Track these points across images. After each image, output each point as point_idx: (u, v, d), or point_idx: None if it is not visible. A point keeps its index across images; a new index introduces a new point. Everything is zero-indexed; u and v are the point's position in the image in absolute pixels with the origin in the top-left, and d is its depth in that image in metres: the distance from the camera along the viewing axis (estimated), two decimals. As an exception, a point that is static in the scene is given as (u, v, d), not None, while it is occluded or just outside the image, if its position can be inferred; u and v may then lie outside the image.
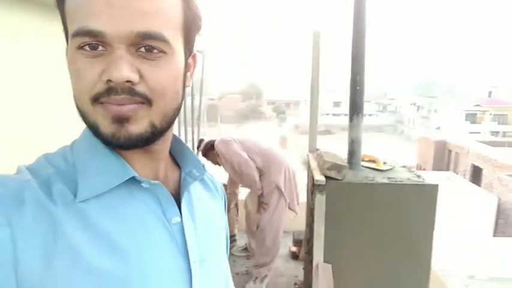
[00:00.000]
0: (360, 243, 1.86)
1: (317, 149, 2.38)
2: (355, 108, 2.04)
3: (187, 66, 0.54)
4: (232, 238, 3.52)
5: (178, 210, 0.54)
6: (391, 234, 1.85)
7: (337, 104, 44.81)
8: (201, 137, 3.26)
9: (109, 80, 0.43)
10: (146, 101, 0.46)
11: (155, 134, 0.48)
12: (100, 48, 0.44)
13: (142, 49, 0.45)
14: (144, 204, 0.51)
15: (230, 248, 3.54)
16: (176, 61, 0.49)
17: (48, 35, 1.53)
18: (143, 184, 0.50)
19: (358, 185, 1.82)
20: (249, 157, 2.71)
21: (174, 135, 0.60)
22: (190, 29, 0.52)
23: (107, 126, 0.45)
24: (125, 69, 0.43)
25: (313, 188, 2.00)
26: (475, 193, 13.11)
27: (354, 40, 1.99)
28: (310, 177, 2.16)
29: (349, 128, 2.06)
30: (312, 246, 2.07)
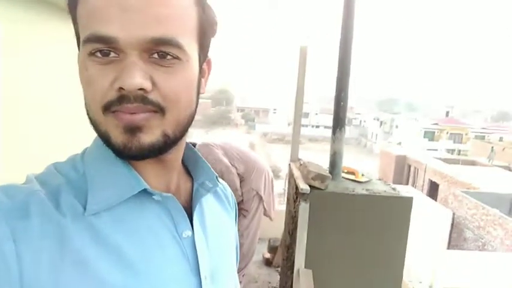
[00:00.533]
0: (339, 250, 1.96)
1: (299, 159, 2.47)
2: (339, 122, 2.15)
3: (201, 73, 0.52)
4: None
5: (189, 224, 0.52)
6: (367, 243, 1.96)
7: (305, 115, 45.90)
8: None
9: (121, 88, 0.42)
10: (159, 109, 0.44)
11: (168, 144, 0.47)
12: (112, 54, 0.43)
13: (156, 55, 0.43)
14: (155, 217, 0.49)
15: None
16: (191, 68, 0.47)
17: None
18: (155, 197, 0.49)
19: (340, 195, 1.92)
20: (230, 164, 2.75)
21: (187, 143, 0.57)
22: (205, 33, 0.50)
23: (118, 136, 0.44)
24: (137, 77, 0.42)
25: (296, 196, 2.08)
26: (432, 207, 13.85)
27: (340, 58, 2.11)
28: (293, 186, 2.24)
29: (332, 141, 2.17)
30: (292, 253, 2.15)
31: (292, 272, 2.04)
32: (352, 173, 2.28)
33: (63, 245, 0.41)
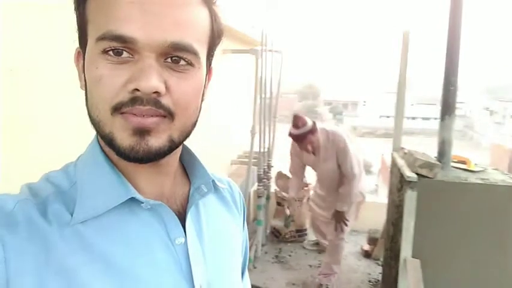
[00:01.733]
0: (449, 241, 1.88)
1: (402, 148, 2.40)
2: (448, 108, 2.05)
3: (206, 81, 0.52)
4: (303, 232, 3.64)
5: (183, 230, 0.50)
6: (482, 234, 1.85)
7: (399, 107, 42.71)
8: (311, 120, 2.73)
9: (136, 90, 0.41)
10: (168, 114, 0.44)
11: (172, 149, 0.46)
12: (125, 54, 0.42)
13: (169, 60, 0.43)
14: (146, 225, 0.48)
15: (301, 242, 3.62)
16: (201, 75, 0.48)
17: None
18: (143, 205, 0.47)
19: (451, 184, 1.84)
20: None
21: (184, 146, 0.56)
22: (214, 42, 0.51)
23: (126, 139, 0.43)
24: (154, 80, 0.41)
25: (401, 185, 2.05)
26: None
27: (449, 40, 2.00)
28: (397, 175, 2.20)
29: (440, 128, 2.07)
30: (396, 243, 2.12)
31: (397, 263, 2.02)
32: (463, 162, 2.14)
33: (49, 252, 0.41)
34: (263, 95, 3.41)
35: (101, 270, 0.43)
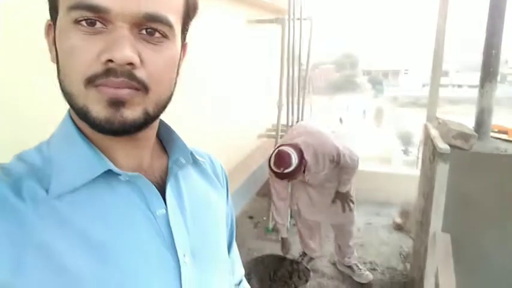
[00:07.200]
0: (481, 215, 1.78)
1: (437, 118, 2.27)
2: (489, 74, 1.88)
3: (181, 55, 0.51)
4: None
5: (163, 201, 0.50)
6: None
7: (444, 74, 40.22)
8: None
9: (109, 61, 0.40)
10: (143, 87, 0.43)
11: (147, 122, 0.46)
12: (98, 25, 0.41)
13: (144, 31, 0.43)
14: (125, 197, 0.47)
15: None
16: (176, 48, 0.47)
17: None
18: (121, 177, 0.47)
19: (488, 156, 1.72)
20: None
21: (161, 121, 0.55)
22: (188, 16, 0.49)
23: (100, 111, 0.42)
24: (128, 50, 0.40)
25: (434, 157, 1.94)
26: None
27: (492, -2, 1.81)
28: (430, 147, 2.09)
29: (479, 96, 1.92)
30: (427, 216, 2.04)
31: (427, 237, 1.95)
32: (505, 132, 1.98)
33: (24, 229, 0.41)
34: (292, 67, 3.31)
35: (79, 245, 0.42)
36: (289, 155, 2.17)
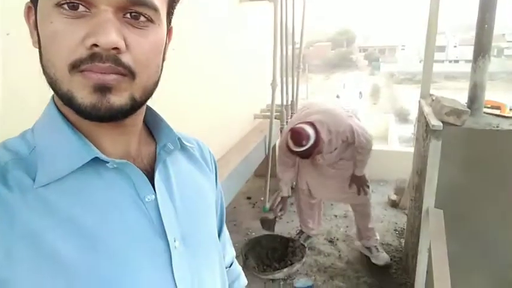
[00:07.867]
0: (474, 191, 1.81)
1: (431, 95, 2.26)
2: (482, 49, 1.86)
3: (167, 40, 0.50)
4: None
5: (152, 187, 0.50)
6: (510, 184, 1.75)
7: (441, 49, 39.82)
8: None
9: (94, 45, 0.39)
10: (129, 73, 0.42)
11: (134, 108, 0.45)
12: (81, 8, 0.40)
13: (129, 15, 0.42)
14: (113, 185, 0.47)
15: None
16: (162, 32, 0.46)
17: None
18: (108, 164, 0.46)
19: (480, 132, 1.73)
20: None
21: (148, 107, 0.55)
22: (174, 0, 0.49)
23: (86, 97, 0.41)
24: (113, 34, 0.39)
25: (427, 134, 1.95)
26: None
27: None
28: (423, 123, 2.10)
29: (472, 71, 1.91)
30: (420, 193, 2.07)
31: (421, 213, 1.98)
32: (498, 108, 1.99)
33: (12, 218, 0.40)
34: (285, 46, 3.26)
35: (68, 233, 0.42)
36: (306, 132, 2.15)
